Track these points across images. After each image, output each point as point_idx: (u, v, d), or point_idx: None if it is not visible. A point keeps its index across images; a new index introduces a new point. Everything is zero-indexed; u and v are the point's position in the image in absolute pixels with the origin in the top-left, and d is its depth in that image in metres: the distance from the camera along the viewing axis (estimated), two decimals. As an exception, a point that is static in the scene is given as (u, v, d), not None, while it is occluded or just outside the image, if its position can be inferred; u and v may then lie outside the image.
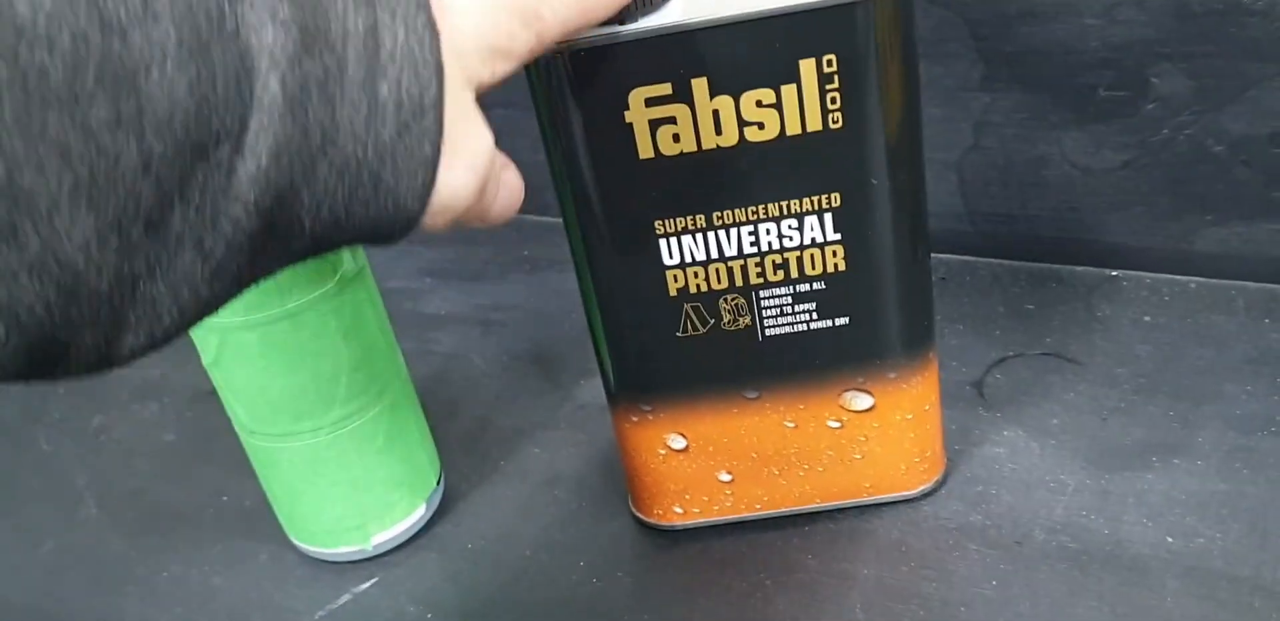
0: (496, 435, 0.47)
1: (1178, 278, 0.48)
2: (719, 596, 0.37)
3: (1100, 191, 0.49)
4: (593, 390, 0.48)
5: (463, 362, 0.52)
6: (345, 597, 0.40)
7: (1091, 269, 0.50)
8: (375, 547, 0.41)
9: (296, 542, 0.42)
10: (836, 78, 0.32)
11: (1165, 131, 0.46)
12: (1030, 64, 0.47)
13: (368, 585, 0.40)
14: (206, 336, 0.37)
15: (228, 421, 0.50)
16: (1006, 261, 0.51)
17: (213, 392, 0.52)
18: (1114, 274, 0.49)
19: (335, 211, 0.22)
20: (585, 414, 0.47)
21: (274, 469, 0.39)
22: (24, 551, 0.45)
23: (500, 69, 0.25)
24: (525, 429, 0.47)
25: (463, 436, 0.47)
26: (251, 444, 0.39)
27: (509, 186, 0.28)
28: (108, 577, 0.43)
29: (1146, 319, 0.47)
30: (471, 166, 0.25)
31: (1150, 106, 0.46)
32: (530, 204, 0.65)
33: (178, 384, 0.53)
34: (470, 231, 0.63)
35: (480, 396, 0.49)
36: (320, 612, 0.39)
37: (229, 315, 0.36)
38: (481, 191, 0.26)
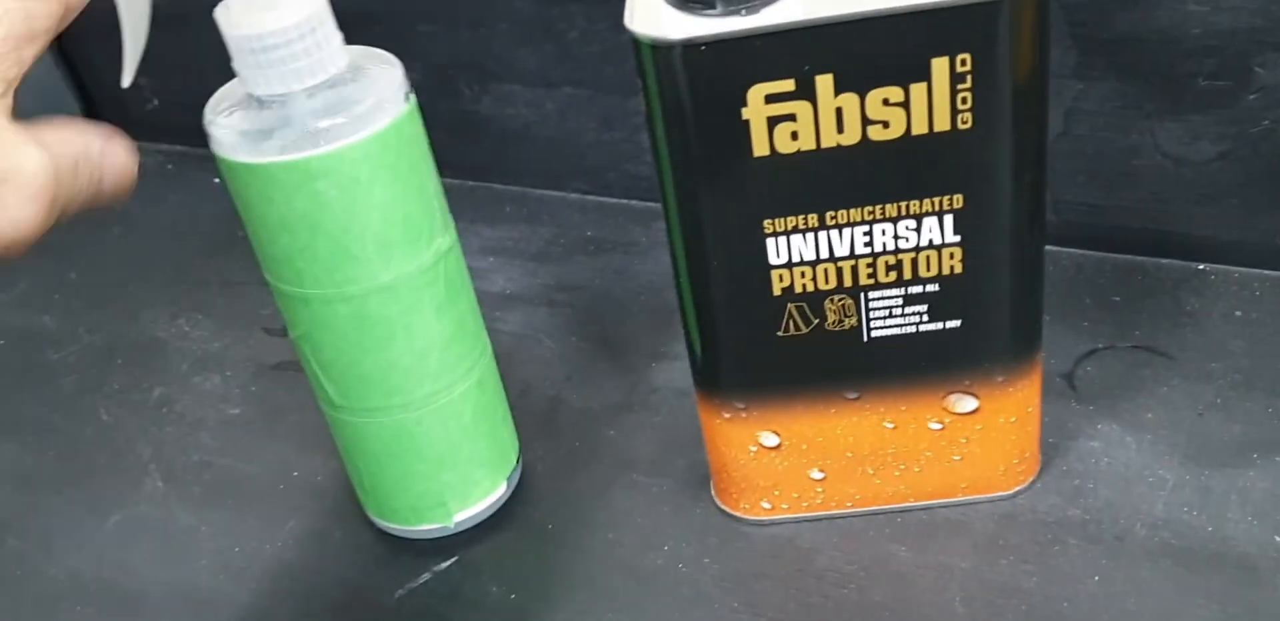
0: (570, 416, 0.46)
1: (1269, 273, 0.47)
2: (810, 586, 0.37)
3: (1193, 183, 0.47)
4: (665, 374, 0.47)
5: (531, 342, 0.51)
6: (426, 576, 0.39)
7: (1178, 262, 0.49)
8: (457, 525, 0.40)
9: (375, 520, 0.41)
10: (970, 77, 0.31)
11: (1266, 123, 0.45)
12: (1127, 51, 0.46)
13: (448, 563, 0.40)
14: (297, 308, 0.36)
15: (293, 396, 0.49)
16: (1090, 252, 0.50)
17: (276, 367, 0.51)
18: (1201, 267, 0.48)
19: None
20: (660, 397, 0.46)
21: (359, 444, 0.39)
22: (91, 523, 0.44)
23: (29, 55, 0.23)
24: (598, 410, 0.46)
25: (537, 416, 0.46)
26: (337, 418, 0.39)
27: (117, 160, 0.25)
28: (178, 551, 0.42)
29: (1238, 314, 0.46)
30: (26, 194, 0.22)
31: (1252, 97, 0.45)
32: (592, 184, 0.64)
33: (239, 357, 0.52)
34: (531, 210, 0.62)
35: (551, 376, 0.48)
36: (400, 591, 0.39)
37: (322, 287, 0.35)
38: (52, 211, 0.23)
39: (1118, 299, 0.47)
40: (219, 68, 0.66)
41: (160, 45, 0.34)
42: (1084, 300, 0.47)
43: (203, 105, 0.69)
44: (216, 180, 0.68)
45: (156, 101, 0.71)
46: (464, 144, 0.68)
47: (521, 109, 0.61)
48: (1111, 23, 0.46)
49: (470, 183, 0.65)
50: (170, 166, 0.69)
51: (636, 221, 0.58)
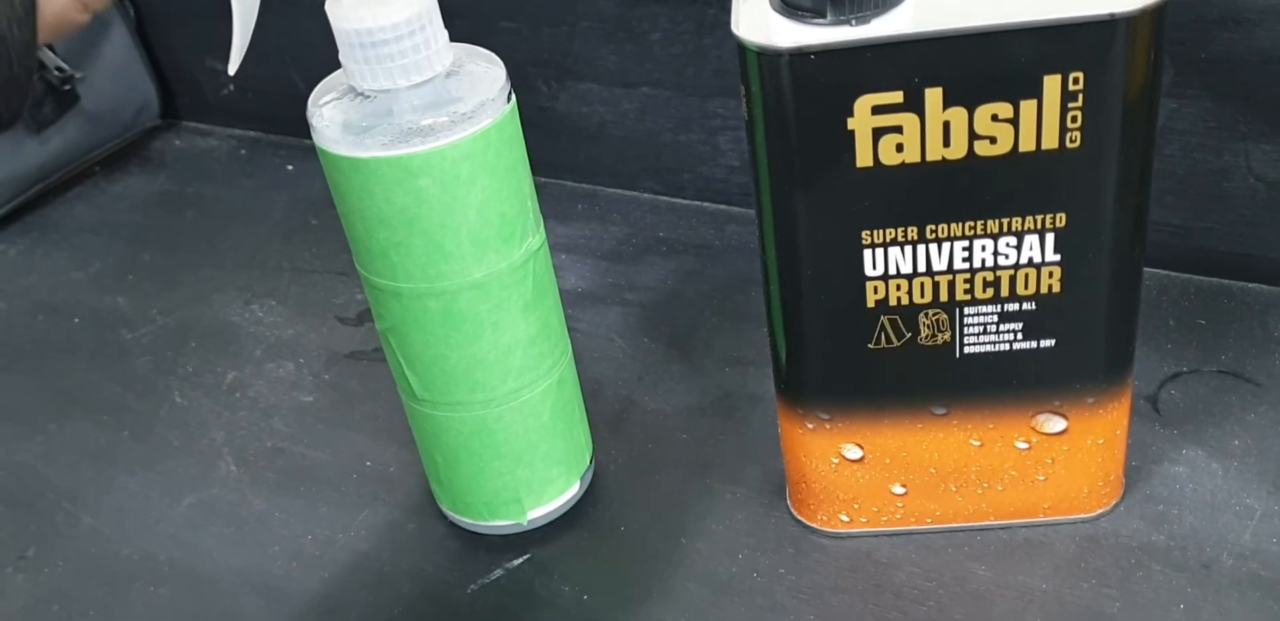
0: (642, 418, 0.46)
1: (1360, 302, 0.47)
2: (888, 601, 0.36)
3: (1285, 207, 0.47)
4: (739, 379, 0.47)
5: (603, 341, 0.51)
6: (498, 572, 0.39)
7: (1265, 287, 0.48)
8: (530, 523, 0.40)
9: (449, 513, 0.41)
10: (1081, 96, 0.30)
11: (1366, 149, 0.44)
12: (1225, 71, 0.45)
13: (520, 561, 0.40)
14: (387, 301, 0.36)
15: (366, 386, 0.49)
16: (1174, 273, 0.49)
17: (349, 356, 0.52)
18: (1289, 293, 0.48)
19: None
20: (733, 403, 0.46)
21: (438, 438, 0.39)
22: (164, 504, 0.45)
23: None
24: (671, 413, 0.46)
25: (609, 417, 0.46)
26: (418, 412, 0.39)
27: None
28: (250, 536, 0.43)
29: (1327, 342, 0.45)
30: None
31: (1354, 122, 0.44)
32: (665, 185, 0.64)
33: (313, 345, 0.52)
34: (603, 209, 0.61)
35: (623, 377, 0.48)
36: (472, 586, 0.39)
37: (414, 282, 0.35)
38: None
39: (1202, 322, 0.46)
40: (295, 55, 0.66)
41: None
42: (1167, 322, 0.47)
43: (277, 92, 0.69)
44: (290, 167, 0.69)
45: (231, 87, 0.71)
46: (537, 140, 0.68)
47: (598, 108, 0.61)
48: (1209, 42, 0.45)
49: (542, 179, 0.65)
50: (244, 152, 0.70)
51: (709, 224, 0.58)
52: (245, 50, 0.35)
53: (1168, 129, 0.47)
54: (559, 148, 0.63)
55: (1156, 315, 0.47)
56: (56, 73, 0.64)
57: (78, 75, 0.65)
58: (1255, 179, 0.47)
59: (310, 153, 0.68)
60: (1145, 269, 0.50)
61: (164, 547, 0.43)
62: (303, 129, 0.65)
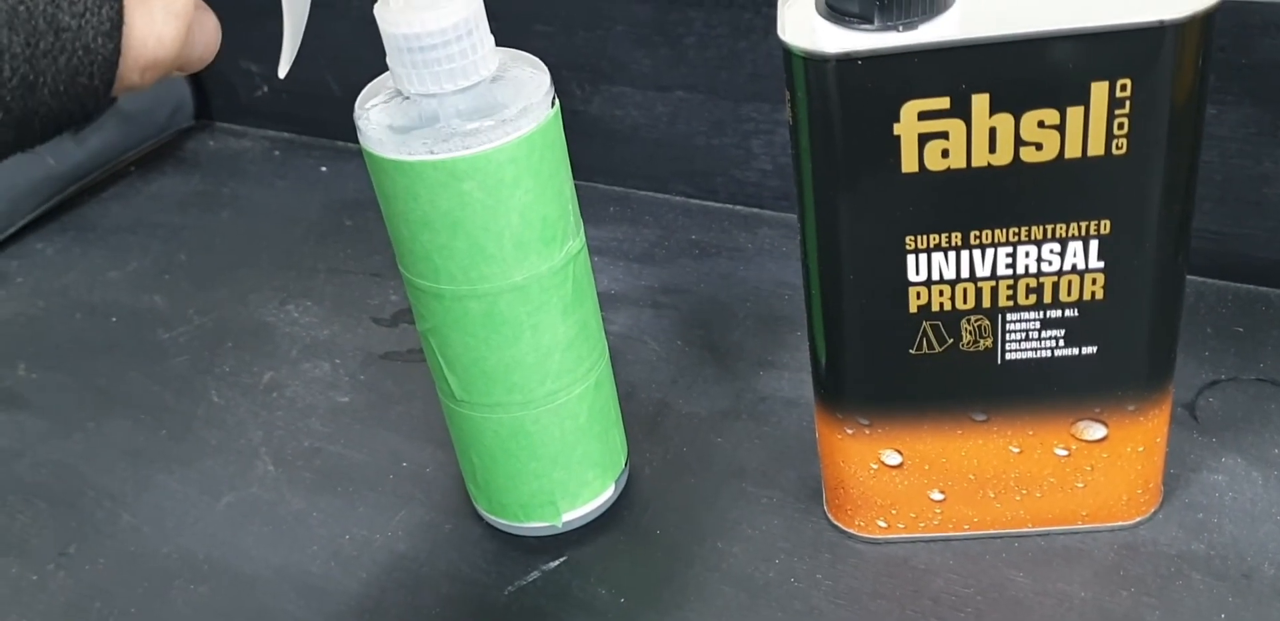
0: (676, 421, 0.46)
1: (1401, 310, 0.46)
2: (926, 607, 0.36)
3: (1325, 215, 0.46)
4: (774, 383, 0.47)
5: (636, 344, 0.51)
6: (534, 574, 0.39)
7: (1304, 295, 0.48)
8: (565, 525, 0.40)
9: (485, 514, 0.41)
10: (1128, 103, 0.30)
11: None
12: (1266, 77, 0.45)
13: (557, 563, 0.40)
14: (430, 302, 0.37)
15: (401, 386, 0.50)
16: (1211, 280, 0.49)
17: (385, 357, 0.52)
18: (1328, 301, 0.47)
19: (20, 69, 0.22)
20: (768, 407, 0.46)
21: (477, 439, 0.39)
22: (203, 503, 0.45)
23: None
24: (706, 417, 0.46)
25: (643, 419, 0.46)
26: (456, 412, 0.39)
27: (206, 28, 0.26)
28: (289, 535, 0.43)
29: (1367, 351, 0.45)
30: (172, 11, 0.24)
31: (1397, 129, 0.44)
32: (697, 188, 0.64)
33: (348, 346, 0.53)
34: (635, 212, 0.62)
35: (657, 379, 0.48)
36: (510, 588, 0.39)
37: (456, 284, 0.36)
38: (185, 41, 0.24)
39: (1240, 329, 0.46)
40: (329, 57, 0.66)
41: (272, 32, 0.35)
42: (1205, 329, 0.46)
43: (311, 94, 0.70)
44: (324, 168, 0.69)
45: (266, 88, 0.72)
46: (570, 143, 0.69)
47: (631, 111, 0.61)
48: (1251, 48, 0.45)
49: (574, 181, 0.66)
50: (277, 153, 0.70)
51: (742, 227, 0.58)
52: (296, 53, 0.35)
53: (1207, 134, 0.47)
54: (592, 150, 0.63)
55: (1194, 322, 0.47)
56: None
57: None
58: (1296, 186, 0.47)
59: (343, 154, 0.69)
60: (1182, 275, 0.50)
61: (203, 546, 0.43)
62: (336, 130, 0.66)
